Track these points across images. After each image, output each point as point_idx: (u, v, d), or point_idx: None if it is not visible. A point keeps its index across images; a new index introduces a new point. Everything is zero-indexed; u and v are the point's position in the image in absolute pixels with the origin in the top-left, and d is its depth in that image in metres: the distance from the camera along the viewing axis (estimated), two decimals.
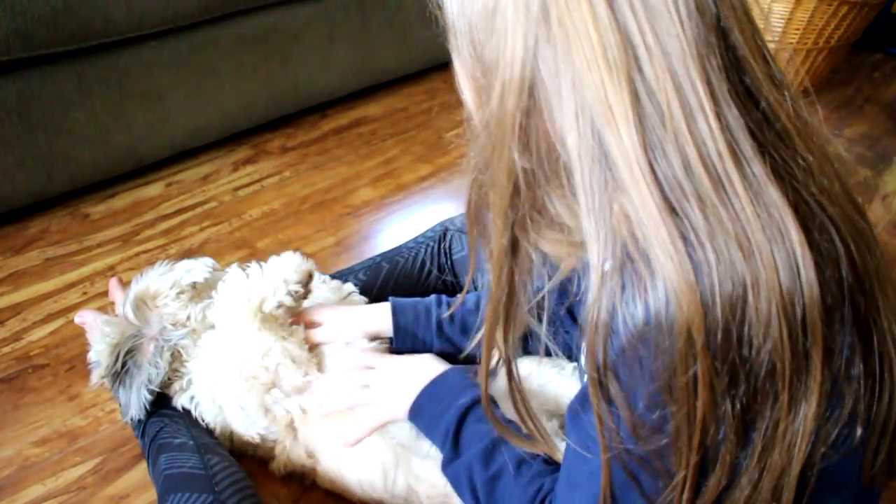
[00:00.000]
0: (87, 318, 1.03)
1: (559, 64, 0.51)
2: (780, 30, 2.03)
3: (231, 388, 0.93)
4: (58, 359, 1.24)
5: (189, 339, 0.98)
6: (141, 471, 1.05)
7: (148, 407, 0.96)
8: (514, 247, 0.60)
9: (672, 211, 0.50)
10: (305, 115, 2.02)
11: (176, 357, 0.98)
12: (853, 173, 0.60)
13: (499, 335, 0.64)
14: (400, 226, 1.61)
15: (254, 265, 0.97)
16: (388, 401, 0.89)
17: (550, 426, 0.92)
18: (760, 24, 0.56)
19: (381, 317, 1.01)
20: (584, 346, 0.54)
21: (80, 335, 1.16)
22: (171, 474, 0.85)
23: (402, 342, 1.01)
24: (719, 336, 0.49)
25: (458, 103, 0.65)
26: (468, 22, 0.56)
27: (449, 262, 1.17)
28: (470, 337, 0.79)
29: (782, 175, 0.52)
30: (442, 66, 2.21)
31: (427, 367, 0.90)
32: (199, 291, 1.02)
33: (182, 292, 0.99)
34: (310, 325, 1.00)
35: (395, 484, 0.91)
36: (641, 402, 0.53)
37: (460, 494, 0.81)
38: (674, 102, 0.49)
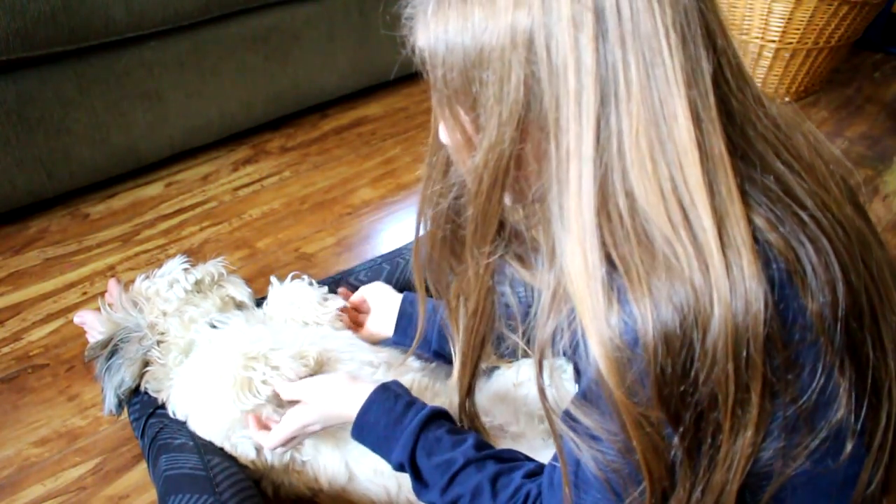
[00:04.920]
0: (86, 318, 1.03)
1: (542, 106, 0.52)
2: (780, 30, 2.03)
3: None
4: (57, 359, 1.24)
5: (157, 349, 0.95)
6: (141, 471, 1.05)
7: (115, 410, 0.95)
8: (490, 269, 0.65)
9: (607, 258, 0.51)
10: (305, 115, 2.02)
11: (154, 363, 0.95)
12: (850, 174, 0.61)
13: (468, 348, 0.72)
14: (400, 226, 1.61)
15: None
16: (318, 404, 0.84)
17: (543, 428, 0.92)
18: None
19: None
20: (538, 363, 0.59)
21: (79, 335, 1.16)
22: (171, 475, 0.85)
23: (402, 332, 1.01)
24: (655, 377, 0.50)
25: None
26: (460, 73, 0.55)
27: None
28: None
29: (764, 200, 0.52)
30: None
31: (351, 385, 0.85)
32: (205, 295, 1.01)
33: (167, 301, 0.98)
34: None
35: None
36: (608, 429, 0.55)
37: None
38: (643, 138, 0.49)
